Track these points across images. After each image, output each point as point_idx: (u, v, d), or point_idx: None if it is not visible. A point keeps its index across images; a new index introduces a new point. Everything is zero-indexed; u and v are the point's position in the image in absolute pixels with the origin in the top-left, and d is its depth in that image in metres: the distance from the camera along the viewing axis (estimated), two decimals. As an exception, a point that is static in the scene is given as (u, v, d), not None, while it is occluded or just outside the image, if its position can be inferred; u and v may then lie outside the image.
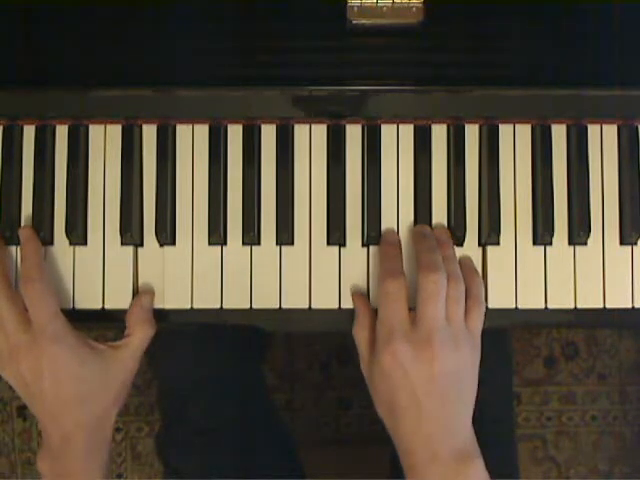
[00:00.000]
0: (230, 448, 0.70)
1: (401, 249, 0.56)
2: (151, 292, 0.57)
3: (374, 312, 0.55)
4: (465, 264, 0.56)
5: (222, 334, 0.72)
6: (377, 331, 0.53)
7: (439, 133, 0.57)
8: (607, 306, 0.57)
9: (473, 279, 0.55)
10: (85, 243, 0.57)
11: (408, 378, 0.50)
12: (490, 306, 0.56)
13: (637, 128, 0.58)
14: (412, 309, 0.52)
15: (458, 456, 0.51)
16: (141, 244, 0.57)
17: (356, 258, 0.57)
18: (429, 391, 0.51)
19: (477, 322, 0.54)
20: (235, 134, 0.57)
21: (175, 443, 0.72)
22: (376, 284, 0.56)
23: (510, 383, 0.77)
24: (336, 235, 0.57)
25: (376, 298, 0.56)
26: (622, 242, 0.57)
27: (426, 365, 0.50)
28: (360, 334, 0.55)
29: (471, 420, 0.52)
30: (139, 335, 0.55)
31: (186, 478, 0.71)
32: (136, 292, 0.57)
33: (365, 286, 0.57)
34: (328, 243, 0.57)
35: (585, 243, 0.57)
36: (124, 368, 0.55)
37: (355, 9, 0.55)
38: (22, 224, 0.57)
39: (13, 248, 0.57)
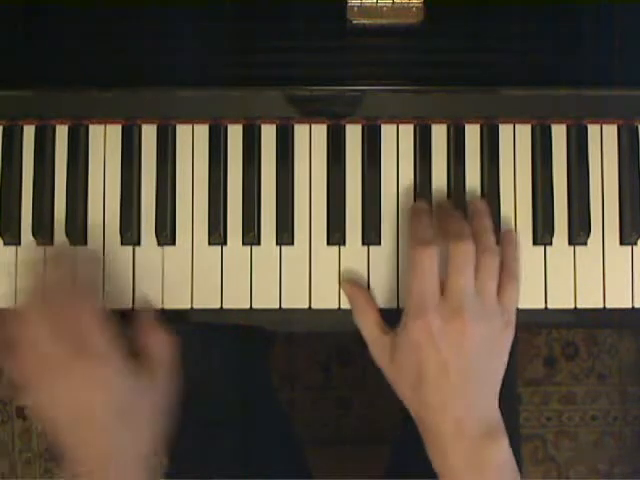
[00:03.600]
0: (231, 448, 0.70)
1: (431, 217, 0.54)
2: (149, 302, 0.56)
3: (367, 291, 0.55)
4: (507, 238, 0.55)
5: (223, 334, 0.72)
6: (407, 301, 0.51)
7: (439, 133, 0.57)
8: (607, 306, 0.57)
9: (509, 253, 0.54)
10: (85, 243, 0.57)
11: (438, 348, 0.49)
12: (490, 306, 0.56)
13: (637, 128, 0.58)
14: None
15: (484, 433, 0.50)
16: (140, 244, 0.57)
17: (356, 258, 0.57)
18: (459, 363, 0.50)
19: (511, 298, 0.53)
20: (235, 134, 0.57)
21: (175, 443, 0.72)
22: (376, 284, 0.56)
23: (514, 384, 0.77)
24: (336, 235, 0.57)
25: (376, 296, 0.56)
26: (622, 242, 0.57)
27: (456, 337, 0.49)
28: (365, 317, 0.54)
29: (497, 399, 0.52)
30: (161, 347, 0.54)
31: (186, 478, 0.71)
32: (136, 292, 0.57)
33: (365, 286, 0.57)
34: (328, 243, 0.57)
35: (585, 243, 0.57)
36: (161, 384, 0.53)
37: (355, 9, 0.55)
38: (22, 224, 0.57)
39: (13, 249, 0.57)
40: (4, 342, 0.52)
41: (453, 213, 0.54)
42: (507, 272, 0.53)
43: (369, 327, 0.54)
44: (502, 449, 0.50)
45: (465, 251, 0.50)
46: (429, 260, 0.50)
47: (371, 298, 0.55)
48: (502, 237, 0.55)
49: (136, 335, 0.54)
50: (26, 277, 0.55)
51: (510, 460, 0.51)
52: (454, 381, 0.50)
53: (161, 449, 0.54)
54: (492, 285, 0.51)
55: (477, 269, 0.51)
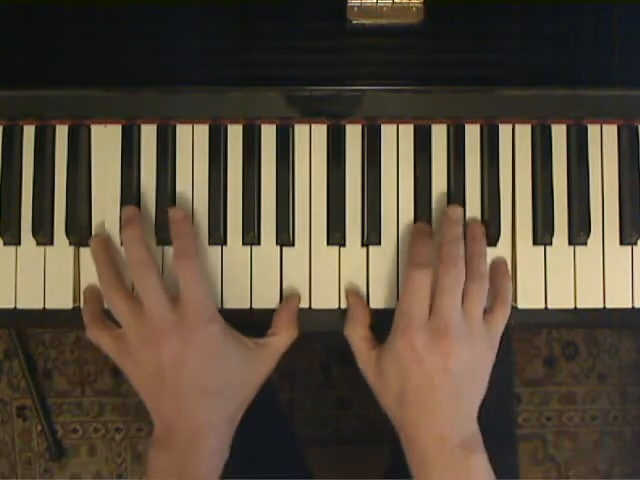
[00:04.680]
0: (231, 448, 0.70)
1: (432, 239, 0.55)
2: (299, 295, 0.56)
3: (369, 309, 0.56)
4: (497, 264, 0.56)
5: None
6: (395, 318, 0.52)
7: (439, 133, 0.57)
8: (607, 306, 0.57)
9: (503, 280, 0.55)
10: (85, 243, 0.57)
11: (423, 366, 0.51)
12: (490, 306, 0.56)
13: (637, 128, 0.58)
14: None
15: (464, 447, 0.51)
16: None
17: (356, 258, 0.57)
18: (442, 381, 0.51)
19: (498, 322, 0.54)
20: (235, 134, 0.57)
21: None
22: (376, 284, 0.56)
23: (511, 383, 0.77)
24: (336, 235, 0.57)
25: (375, 298, 0.56)
26: (622, 242, 0.57)
27: (441, 356, 0.51)
28: (354, 331, 0.55)
29: (477, 414, 0.53)
30: (284, 336, 0.55)
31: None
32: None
33: (365, 286, 0.57)
34: (328, 243, 0.57)
35: (585, 243, 0.57)
36: (264, 367, 0.55)
37: (355, 9, 0.55)
38: (22, 224, 0.57)
39: (13, 249, 0.57)
40: (99, 315, 0.54)
41: (451, 238, 0.54)
42: (498, 298, 0.55)
43: (357, 342, 0.55)
44: (482, 464, 0.52)
45: (455, 276, 0.52)
46: (422, 282, 0.52)
47: (367, 316, 0.55)
48: (496, 266, 0.56)
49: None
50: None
51: (489, 474, 0.52)
52: (437, 398, 0.51)
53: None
54: (479, 309, 0.53)
55: (465, 293, 0.52)
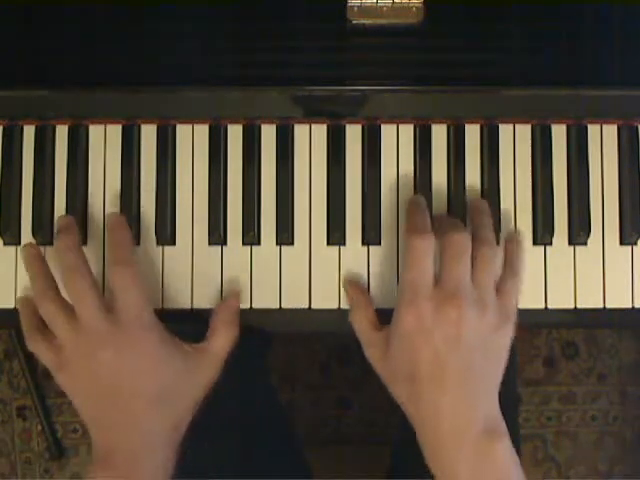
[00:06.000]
0: (231, 448, 0.70)
1: (428, 212, 0.53)
2: (237, 294, 0.55)
3: (367, 292, 0.55)
4: (510, 235, 0.55)
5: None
6: (399, 292, 0.50)
7: (439, 133, 0.57)
8: (607, 306, 0.57)
9: (513, 250, 0.53)
10: (85, 243, 0.57)
11: (432, 340, 0.47)
12: (490, 306, 0.56)
13: (637, 128, 0.58)
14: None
15: (485, 432, 0.48)
16: (140, 244, 0.57)
17: (356, 258, 0.57)
18: (454, 355, 0.47)
19: (510, 292, 0.51)
20: (235, 134, 0.57)
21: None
22: (376, 284, 0.56)
23: (513, 384, 0.76)
24: (336, 235, 0.57)
25: (375, 298, 0.56)
26: (622, 242, 0.57)
27: (451, 326, 0.47)
28: (358, 314, 0.53)
29: (497, 398, 0.50)
30: (222, 338, 0.53)
31: (186, 478, 0.71)
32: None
33: (365, 286, 0.57)
34: (328, 243, 0.57)
35: (585, 243, 0.57)
36: (206, 372, 0.53)
37: (355, 9, 0.55)
38: (22, 224, 0.57)
39: (13, 249, 0.57)
40: (36, 326, 0.53)
41: (449, 217, 0.54)
42: (509, 268, 0.53)
43: (363, 325, 0.53)
44: (506, 450, 0.48)
45: (460, 240, 0.49)
46: (424, 249, 0.49)
47: (369, 299, 0.54)
48: (506, 236, 0.55)
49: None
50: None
51: (514, 459, 0.49)
52: (450, 375, 0.48)
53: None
54: (489, 278, 0.50)
55: (474, 261, 0.50)
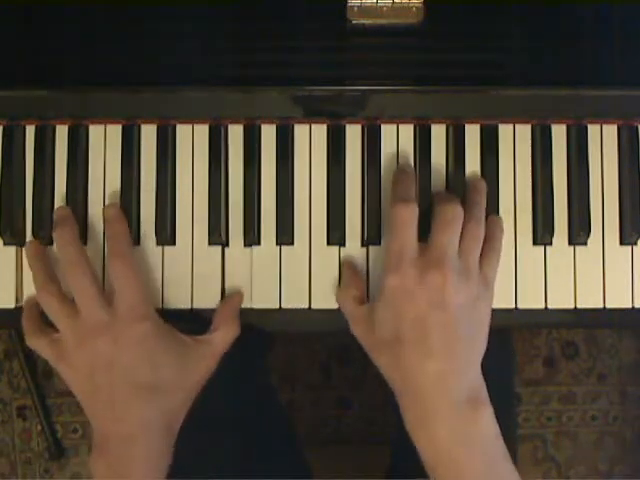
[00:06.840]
0: (231, 448, 0.70)
1: (415, 181, 0.55)
2: (241, 293, 0.56)
3: (357, 270, 0.55)
4: (492, 218, 0.55)
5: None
6: (385, 260, 0.51)
7: (439, 133, 0.57)
8: (607, 306, 0.57)
9: (495, 229, 0.54)
10: (85, 243, 0.57)
11: (415, 301, 0.48)
12: (490, 306, 0.56)
13: (637, 128, 0.58)
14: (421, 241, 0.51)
15: (468, 400, 0.48)
16: (140, 244, 0.57)
17: (356, 258, 0.57)
18: (438, 319, 0.48)
19: (491, 267, 0.53)
20: (235, 134, 0.57)
21: (175, 443, 0.72)
22: (376, 284, 0.56)
23: (511, 383, 0.76)
24: (336, 235, 0.57)
25: (376, 296, 0.56)
26: (622, 242, 0.57)
27: (436, 290, 0.48)
28: (344, 292, 0.54)
29: (480, 369, 0.50)
30: (224, 332, 0.54)
31: (186, 478, 0.71)
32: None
33: (365, 286, 0.57)
34: (328, 243, 0.57)
35: (585, 243, 0.57)
36: (203, 364, 0.54)
37: (355, 9, 0.55)
38: (22, 222, 0.57)
39: (13, 249, 0.57)
40: (37, 322, 0.54)
41: (446, 192, 0.54)
42: (490, 243, 0.54)
43: (347, 302, 0.54)
44: (489, 419, 0.49)
45: (451, 210, 0.50)
46: (408, 216, 0.50)
47: (359, 278, 0.55)
48: (490, 218, 0.55)
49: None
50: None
51: (496, 430, 0.49)
52: (435, 340, 0.48)
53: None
54: (475, 251, 0.51)
55: (463, 235, 0.51)
